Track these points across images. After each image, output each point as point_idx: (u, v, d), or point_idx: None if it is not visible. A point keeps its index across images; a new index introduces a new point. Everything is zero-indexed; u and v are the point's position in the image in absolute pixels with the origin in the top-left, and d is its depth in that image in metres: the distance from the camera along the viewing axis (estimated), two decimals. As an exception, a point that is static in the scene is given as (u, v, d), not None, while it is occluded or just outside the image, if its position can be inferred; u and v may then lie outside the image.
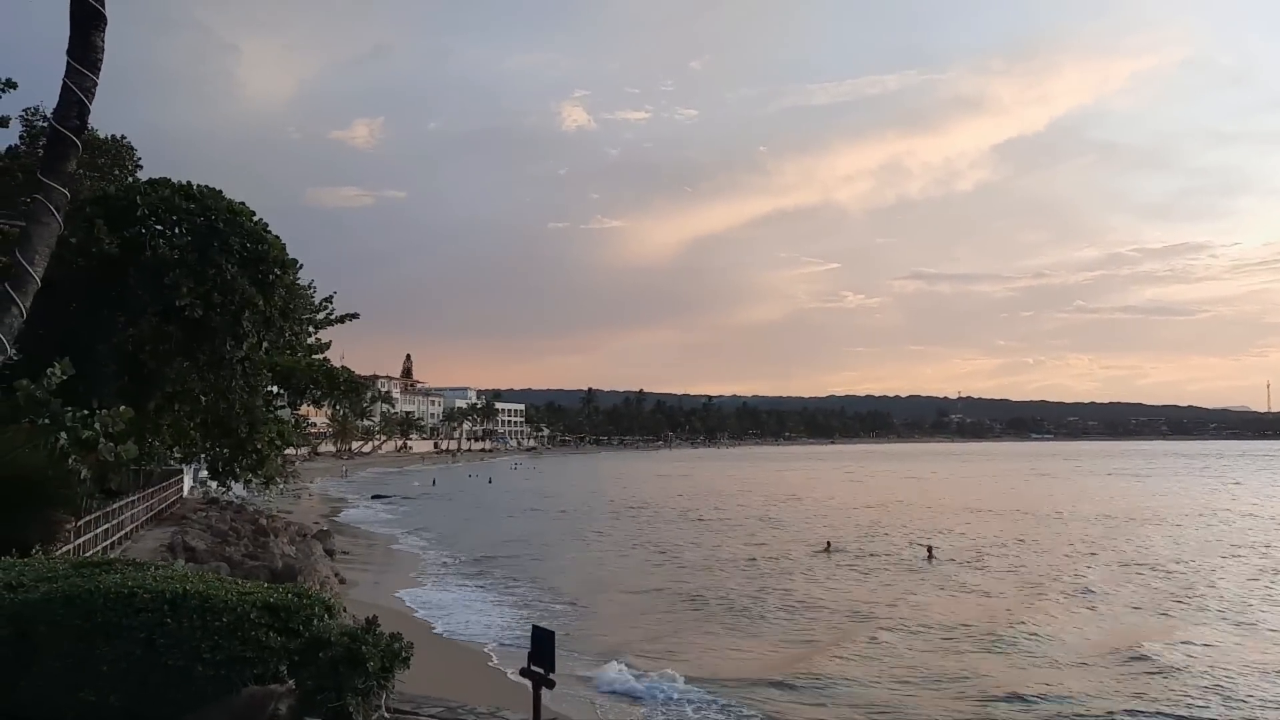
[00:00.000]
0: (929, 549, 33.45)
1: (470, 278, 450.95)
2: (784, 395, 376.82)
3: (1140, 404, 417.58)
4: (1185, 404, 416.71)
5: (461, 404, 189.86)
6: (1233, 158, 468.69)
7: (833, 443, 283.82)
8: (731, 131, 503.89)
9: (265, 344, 24.15)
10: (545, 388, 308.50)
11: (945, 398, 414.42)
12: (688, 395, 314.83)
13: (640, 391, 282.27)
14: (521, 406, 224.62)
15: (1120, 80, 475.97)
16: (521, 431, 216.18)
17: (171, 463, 34.37)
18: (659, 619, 22.28)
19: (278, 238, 24.12)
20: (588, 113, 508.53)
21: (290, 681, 6.68)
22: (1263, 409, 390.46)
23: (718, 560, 32.48)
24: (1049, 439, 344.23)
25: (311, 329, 30.91)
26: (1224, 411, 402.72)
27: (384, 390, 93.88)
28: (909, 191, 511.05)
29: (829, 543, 35.48)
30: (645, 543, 38.12)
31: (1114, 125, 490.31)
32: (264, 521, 34.23)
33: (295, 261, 25.32)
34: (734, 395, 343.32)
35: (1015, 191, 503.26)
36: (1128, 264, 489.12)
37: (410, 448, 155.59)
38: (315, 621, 6.81)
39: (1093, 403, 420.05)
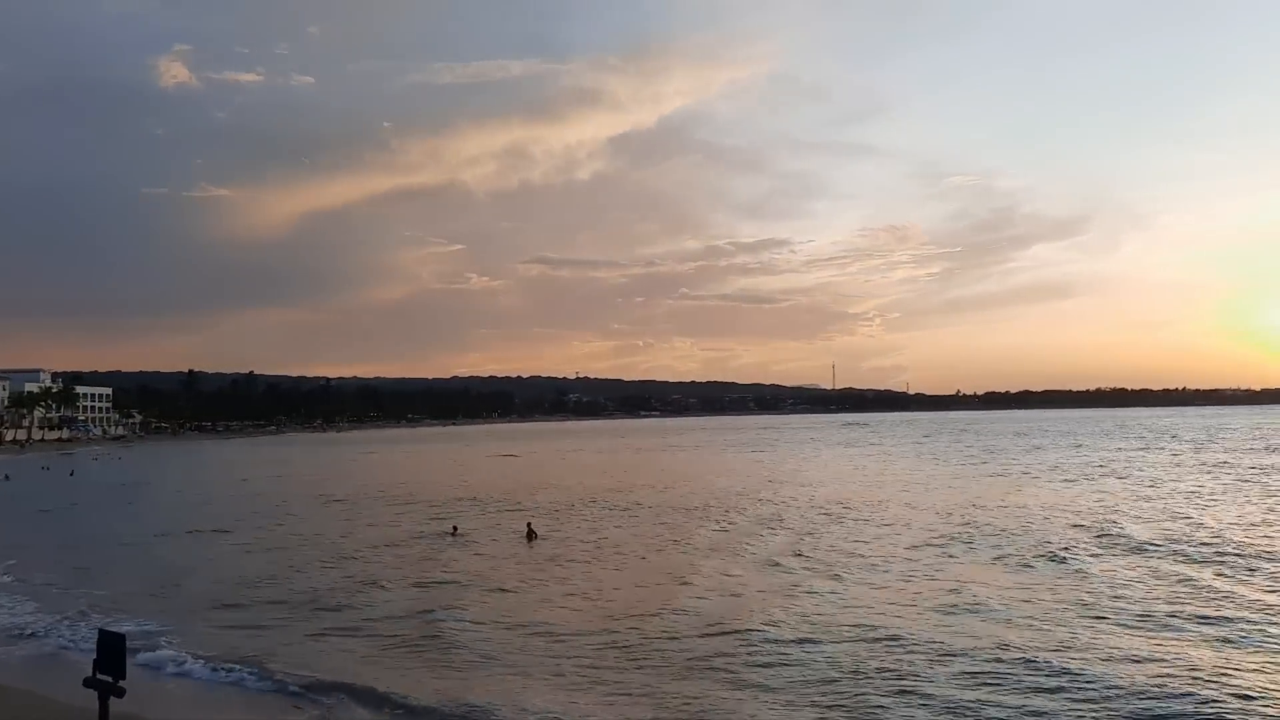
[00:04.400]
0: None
1: (45, 247, 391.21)
2: (409, 377, 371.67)
3: (733, 383, 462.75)
4: (769, 383, 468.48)
5: (32, 387, 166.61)
6: (811, 165, 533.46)
7: (455, 424, 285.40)
8: (353, 104, 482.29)
9: None
10: (138, 369, 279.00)
11: (564, 378, 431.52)
12: (304, 377, 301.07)
13: (250, 373, 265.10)
14: (109, 390, 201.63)
15: (720, 87, 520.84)
16: (109, 418, 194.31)
17: None
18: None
19: None
20: (190, 70, 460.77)
21: None
22: (829, 386, 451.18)
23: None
24: (656, 416, 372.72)
25: None
26: (800, 389, 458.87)
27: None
28: (532, 177, 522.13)
29: (455, 526, 34.97)
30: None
31: (715, 128, 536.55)
32: None
33: None
34: (355, 377, 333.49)
35: (630, 184, 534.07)
36: (725, 256, 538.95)
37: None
38: None
39: (693, 382, 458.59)
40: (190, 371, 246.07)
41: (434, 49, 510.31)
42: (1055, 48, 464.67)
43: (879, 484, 52.02)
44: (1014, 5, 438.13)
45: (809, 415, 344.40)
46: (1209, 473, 53.72)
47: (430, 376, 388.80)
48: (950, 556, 25.95)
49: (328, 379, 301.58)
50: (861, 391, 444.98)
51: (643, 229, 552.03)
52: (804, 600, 20.54)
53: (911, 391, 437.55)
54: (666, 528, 34.59)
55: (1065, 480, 51.05)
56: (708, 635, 17.54)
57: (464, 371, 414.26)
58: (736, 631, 17.69)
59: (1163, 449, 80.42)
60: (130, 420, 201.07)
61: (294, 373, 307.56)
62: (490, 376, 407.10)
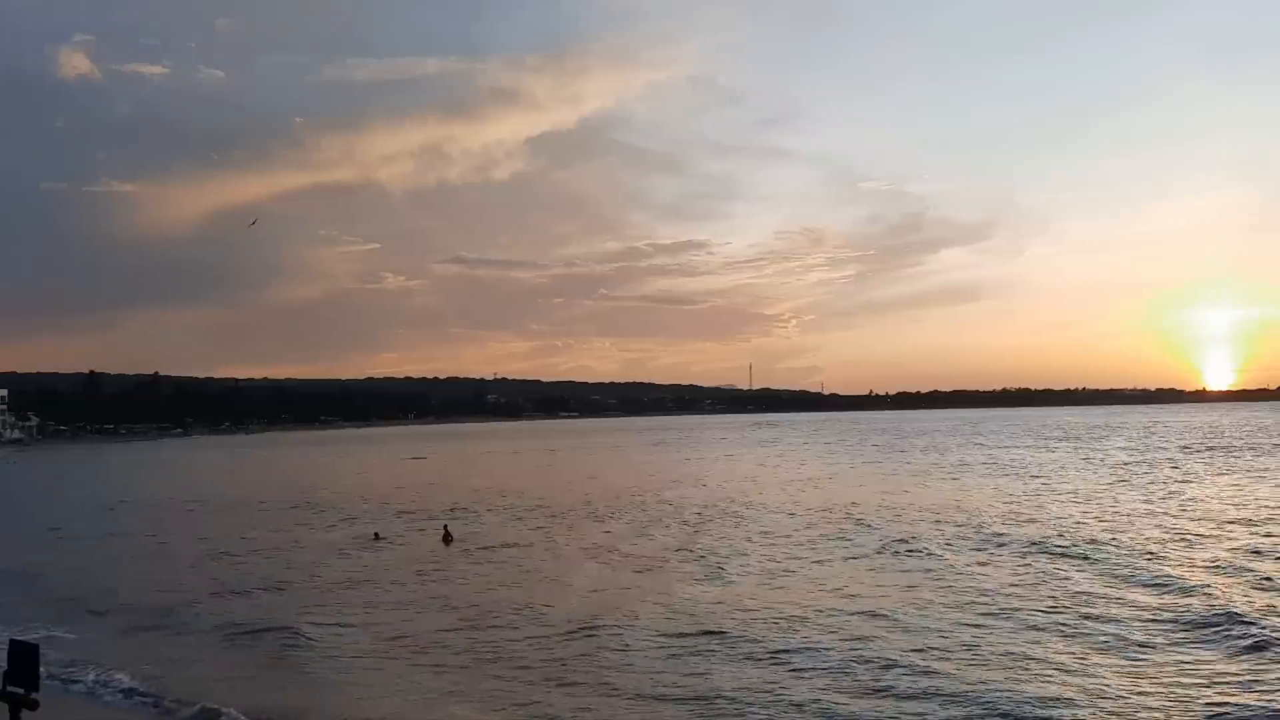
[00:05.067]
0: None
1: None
2: (322, 378, 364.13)
3: (652, 383, 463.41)
4: (688, 383, 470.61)
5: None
6: (729, 168, 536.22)
7: (370, 425, 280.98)
8: (265, 99, 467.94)
9: None
10: (36, 370, 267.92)
11: (483, 379, 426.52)
12: (212, 379, 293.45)
13: (155, 375, 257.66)
14: (4, 392, 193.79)
15: (639, 89, 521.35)
16: (4, 421, 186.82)
17: None
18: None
19: None
20: (92, 61, 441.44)
21: None
22: (746, 387, 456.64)
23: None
24: (575, 417, 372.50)
25: None
26: (718, 389, 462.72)
27: None
28: (449, 176, 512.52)
29: (377, 533, 34.98)
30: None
31: (634, 130, 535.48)
32: None
33: None
34: (266, 378, 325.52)
35: (549, 184, 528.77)
36: (644, 257, 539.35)
37: None
38: None
39: (613, 382, 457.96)
40: (91, 373, 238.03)
41: (348, 44, 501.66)
42: (964, 58, 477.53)
43: (776, 484, 53.88)
44: (925, 17, 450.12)
45: (727, 416, 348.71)
46: (1094, 470, 56.95)
47: (344, 377, 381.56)
48: (831, 555, 27.44)
49: (237, 380, 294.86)
50: (778, 392, 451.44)
51: (562, 229, 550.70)
52: (684, 601, 21.64)
53: (826, 392, 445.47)
54: (571, 528, 35.69)
55: (954, 478, 53.62)
56: (587, 636, 18.46)
57: (379, 372, 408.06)
58: (611, 631, 18.65)
59: (1055, 448, 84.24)
60: (27, 423, 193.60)
61: (201, 374, 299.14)
62: (406, 378, 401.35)
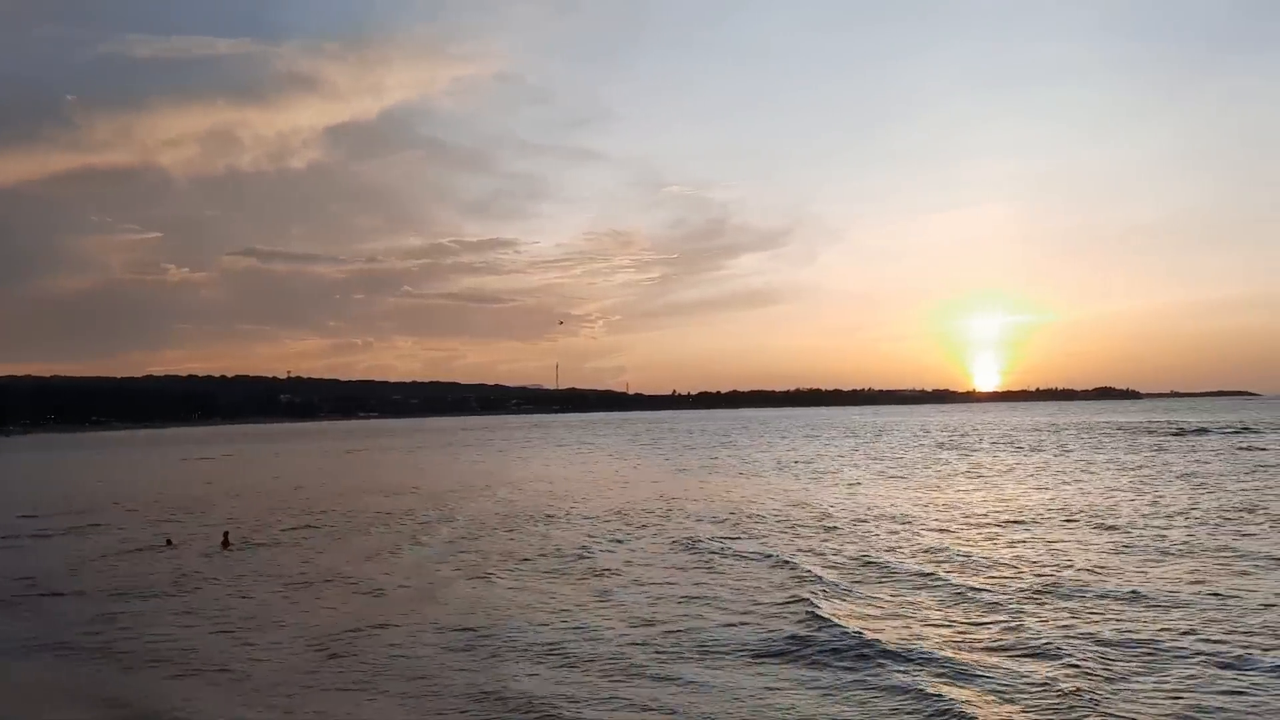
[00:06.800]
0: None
1: None
2: (96, 375, 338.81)
3: (456, 383, 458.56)
4: (494, 383, 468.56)
5: None
6: (536, 167, 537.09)
7: (149, 427, 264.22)
8: (32, 72, 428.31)
9: None
10: None
11: (276, 378, 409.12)
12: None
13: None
14: None
15: (445, 83, 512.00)
16: None
17: None
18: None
19: None
20: None
21: None
22: (552, 387, 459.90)
23: None
24: (375, 417, 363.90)
25: None
26: (524, 389, 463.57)
27: None
28: (240, 164, 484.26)
29: (169, 539, 33.86)
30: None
31: (440, 124, 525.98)
32: None
33: None
34: (30, 376, 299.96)
35: (349, 176, 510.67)
36: (450, 255, 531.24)
37: None
38: None
39: (415, 382, 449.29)
40: None
41: (128, 19, 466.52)
42: (763, 71, 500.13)
43: (511, 483, 55.22)
44: (727, 28, 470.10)
45: (532, 416, 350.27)
46: (826, 466, 62.37)
47: (121, 375, 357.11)
48: (525, 553, 29.16)
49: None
50: (584, 392, 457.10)
51: (363, 223, 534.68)
52: (444, 602, 22.91)
53: (631, 391, 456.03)
54: (338, 530, 36.15)
55: (688, 474, 57.12)
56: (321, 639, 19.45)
57: (159, 370, 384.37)
58: (358, 632, 19.74)
59: (825, 445, 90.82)
60: None
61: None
62: (191, 376, 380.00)
